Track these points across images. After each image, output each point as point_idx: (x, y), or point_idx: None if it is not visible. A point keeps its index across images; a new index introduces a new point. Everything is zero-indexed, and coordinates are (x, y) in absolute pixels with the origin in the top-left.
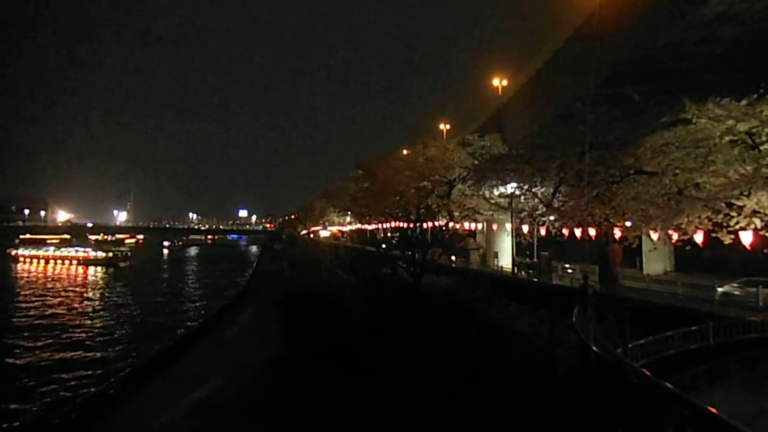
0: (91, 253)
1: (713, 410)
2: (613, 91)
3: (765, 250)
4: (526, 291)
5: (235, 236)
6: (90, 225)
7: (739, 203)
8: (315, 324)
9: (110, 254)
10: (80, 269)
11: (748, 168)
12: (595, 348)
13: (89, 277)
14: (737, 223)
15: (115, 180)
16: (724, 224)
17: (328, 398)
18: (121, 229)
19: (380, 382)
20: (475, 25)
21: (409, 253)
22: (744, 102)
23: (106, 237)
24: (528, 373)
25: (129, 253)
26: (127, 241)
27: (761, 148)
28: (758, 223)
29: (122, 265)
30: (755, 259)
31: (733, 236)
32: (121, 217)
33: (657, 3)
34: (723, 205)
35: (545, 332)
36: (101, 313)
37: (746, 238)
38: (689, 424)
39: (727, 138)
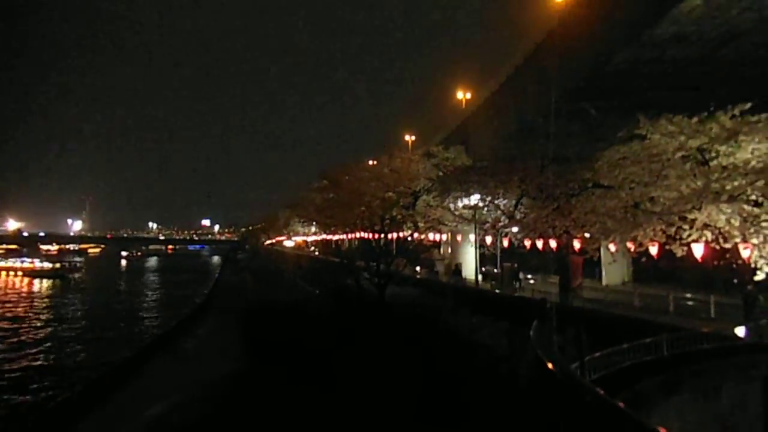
0: (37, 264)
1: (662, 430)
2: (572, 106)
3: (715, 263)
4: (489, 302)
5: (197, 246)
6: (42, 234)
7: (691, 216)
8: (276, 336)
9: (58, 265)
10: (24, 281)
11: (699, 183)
12: (549, 365)
13: (34, 290)
14: (689, 235)
15: (71, 187)
16: (677, 237)
17: (288, 414)
18: (74, 239)
19: (337, 393)
20: (445, 35)
21: (374, 263)
22: (695, 119)
23: (66, 247)
24: (490, 384)
25: (80, 264)
26: (91, 250)
27: (711, 164)
28: (709, 235)
29: (73, 276)
30: (705, 272)
31: (686, 248)
32: (76, 226)
33: (614, 23)
34: (676, 218)
35: (506, 344)
36: (40, 330)
37: (698, 250)
38: None
39: (679, 154)
